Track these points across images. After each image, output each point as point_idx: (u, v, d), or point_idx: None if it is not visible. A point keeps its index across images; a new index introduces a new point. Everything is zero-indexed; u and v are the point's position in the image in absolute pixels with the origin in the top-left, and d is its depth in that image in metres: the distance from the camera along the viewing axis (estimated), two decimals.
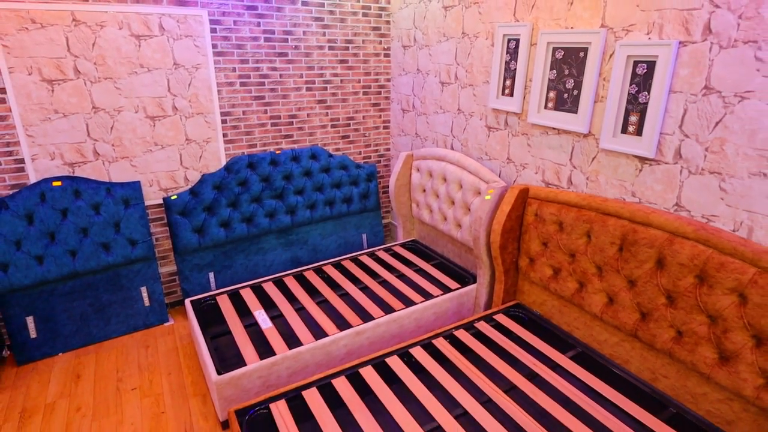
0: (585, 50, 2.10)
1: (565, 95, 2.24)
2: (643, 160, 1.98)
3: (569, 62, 2.19)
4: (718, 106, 1.69)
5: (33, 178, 2.60)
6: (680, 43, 1.76)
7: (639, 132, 1.95)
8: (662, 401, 1.98)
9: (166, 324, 3.05)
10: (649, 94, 1.88)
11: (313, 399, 2.02)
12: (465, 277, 3.01)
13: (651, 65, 1.86)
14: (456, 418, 1.95)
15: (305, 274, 3.05)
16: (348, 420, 2.09)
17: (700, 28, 1.70)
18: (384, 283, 3.13)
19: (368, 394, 2.22)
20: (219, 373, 2.14)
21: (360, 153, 3.74)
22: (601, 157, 2.15)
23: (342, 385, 2.09)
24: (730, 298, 1.70)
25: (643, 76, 1.89)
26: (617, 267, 2.09)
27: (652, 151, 1.91)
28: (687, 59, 1.75)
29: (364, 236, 3.75)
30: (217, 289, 3.13)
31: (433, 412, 1.93)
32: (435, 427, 1.89)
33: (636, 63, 1.91)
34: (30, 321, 2.64)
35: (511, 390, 2.12)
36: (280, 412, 1.95)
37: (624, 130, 2.01)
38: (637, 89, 1.93)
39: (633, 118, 1.96)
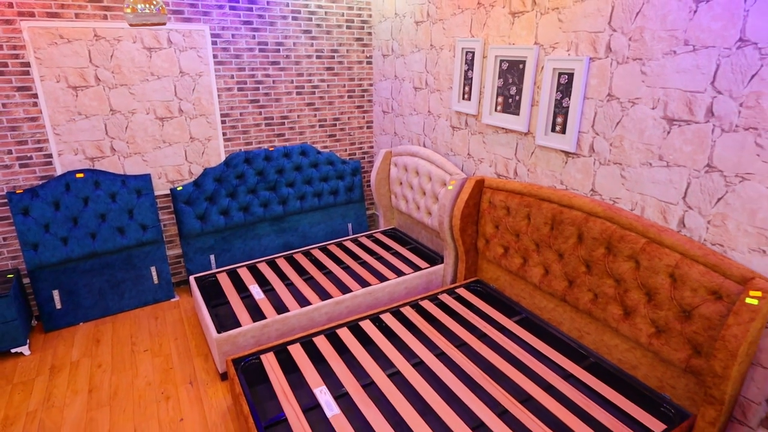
0: (523, 63, 2.52)
1: (510, 100, 2.66)
2: (567, 153, 2.40)
3: (512, 72, 2.61)
4: (617, 110, 2.11)
5: (59, 171, 3.02)
6: (590, 59, 2.18)
7: (564, 131, 2.37)
8: (585, 353, 2.39)
9: (172, 300, 3.47)
10: (569, 99, 2.30)
11: (297, 353, 2.43)
12: (435, 259, 3.42)
13: (570, 76, 2.28)
14: (413, 366, 2.37)
15: (295, 256, 3.48)
16: (326, 371, 2.51)
17: (604, 47, 2.11)
18: (364, 264, 3.54)
19: (344, 351, 2.64)
20: (218, 331, 2.56)
21: (345, 150, 4.16)
22: (538, 152, 2.57)
23: (322, 343, 2.51)
24: (628, 264, 2.12)
25: (565, 85, 2.31)
26: (550, 243, 2.51)
27: (573, 146, 2.33)
28: (596, 72, 2.17)
29: (350, 225, 4.17)
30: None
31: (394, 361, 2.34)
32: (395, 372, 2.31)
33: (560, 74, 2.33)
34: (56, 294, 3.06)
35: (462, 345, 2.54)
36: (269, 362, 2.36)
37: (553, 129, 2.43)
38: (561, 96, 2.35)
39: (559, 120, 2.38)
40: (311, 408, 2.11)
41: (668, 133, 1.93)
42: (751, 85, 1.65)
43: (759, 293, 1.64)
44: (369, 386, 2.25)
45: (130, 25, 1.81)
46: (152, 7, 1.68)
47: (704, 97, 1.79)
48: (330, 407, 2.05)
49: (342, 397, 2.19)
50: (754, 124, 1.67)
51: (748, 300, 1.66)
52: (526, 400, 2.13)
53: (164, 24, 1.87)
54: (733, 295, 1.75)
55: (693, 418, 1.95)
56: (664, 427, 1.93)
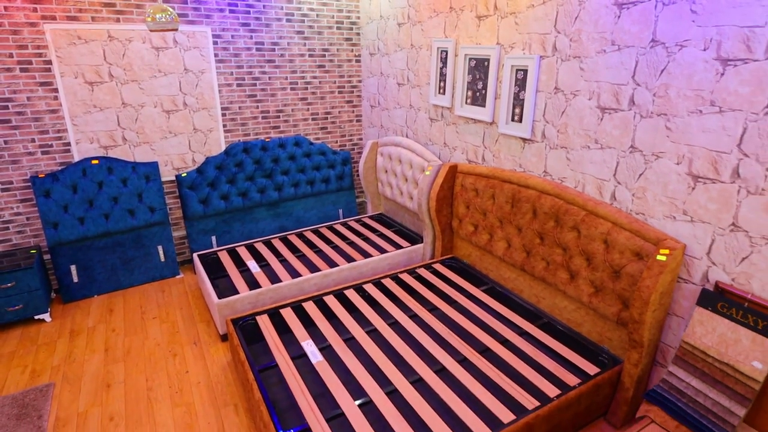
0: (488, 60, 2.86)
1: (477, 94, 3.00)
2: (524, 140, 2.74)
3: (479, 69, 2.95)
4: (562, 101, 2.45)
5: (77, 157, 3.37)
6: (540, 57, 2.52)
7: (521, 120, 2.71)
8: (540, 315, 2.73)
9: (177, 277, 3.81)
10: (525, 92, 2.64)
11: (289, 315, 2.78)
12: (416, 239, 3.76)
13: (525, 72, 2.61)
14: (389, 325, 2.71)
15: (289, 237, 3.82)
16: (313, 330, 2.85)
17: (551, 46, 2.45)
18: (351, 244, 3.88)
19: (330, 315, 2.98)
20: (219, 297, 2.90)
21: (336, 142, 4.50)
22: (501, 139, 2.91)
23: (310, 307, 2.85)
24: (572, 234, 2.46)
25: (521, 80, 2.65)
26: (510, 219, 2.84)
27: (528, 134, 2.67)
28: (545, 68, 2.51)
29: (341, 211, 4.51)
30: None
31: (372, 321, 2.68)
32: (372, 329, 2.65)
33: (517, 70, 2.67)
34: (73, 269, 3.41)
35: (433, 310, 2.88)
36: (264, 322, 2.70)
37: (512, 119, 2.76)
38: (518, 89, 2.68)
39: (517, 110, 2.72)
40: (298, 357, 2.45)
41: (601, 120, 2.27)
42: (661, 78, 1.99)
43: (667, 251, 1.98)
44: (349, 340, 2.59)
45: (151, 30, 2.15)
46: (168, 16, 2.02)
47: (627, 88, 2.12)
48: (314, 355, 2.40)
49: (325, 349, 2.54)
50: (664, 110, 2.00)
51: (658, 257, 2.00)
52: (484, 350, 2.47)
53: (177, 30, 2.21)
54: (650, 255, 2.09)
55: (622, 363, 2.29)
56: (598, 370, 2.27)
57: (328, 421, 2.03)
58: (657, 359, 2.26)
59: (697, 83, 1.87)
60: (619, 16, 2.11)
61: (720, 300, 1.88)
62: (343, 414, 2.06)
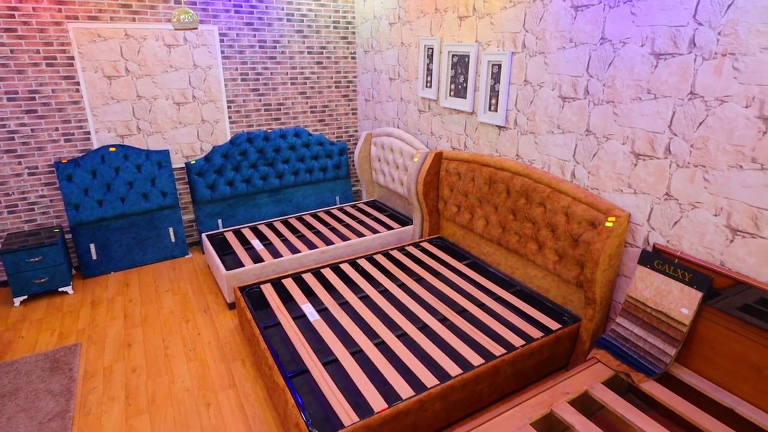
0: (468, 57, 3.19)
1: (459, 87, 3.33)
2: (499, 128, 3.07)
3: (460, 64, 3.28)
4: (530, 92, 2.78)
5: (96, 145, 3.69)
6: (512, 53, 2.85)
7: (496, 109, 3.04)
8: (514, 284, 3.06)
9: (186, 256, 4.14)
10: (499, 85, 2.97)
11: (290, 284, 3.10)
12: (407, 222, 4.09)
13: (499, 67, 2.94)
14: (379, 292, 3.04)
15: (290, 220, 4.15)
16: (313, 298, 3.18)
17: (521, 44, 2.78)
18: (347, 226, 4.21)
19: (327, 285, 3.30)
20: (227, 269, 3.23)
21: (333, 133, 4.83)
22: (480, 128, 3.24)
23: (309, 278, 3.18)
24: (539, 209, 2.79)
25: (496, 73, 2.98)
26: (488, 199, 3.18)
27: (503, 121, 3.00)
28: (516, 63, 2.84)
29: (337, 198, 4.84)
30: None
31: (364, 289, 3.01)
32: (364, 295, 2.98)
33: (493, 65, 3.00)
34: (92, 247, 3.73)
35: (419, 280, 3.21)
36: (268, 290, 3.03)
37: (489, 109, 3.10)
38: (494, 82, 3.01)
39: (493, 101, 3.05)
40: (298, 317, 2.78)
41: (563, 108, 2.60)
42: (609, 70, 2.32)
43: (613, 218, 2.32)
44: (343, 304, 2.93)
45: (176, 29, 2.50)
46: (190, 17, 2.36)
47: (582, 80, 2.45)
48: (312, 315, 2.73)
49: (322, 311, 2.87)
50: (612, 98, 2.33)
51: (606, 224, 2.33)
52: (462, 311, 2.80)
53: (197, 29, 2.55)
54: (601, 223, 2.42)
55: (581, 321, 2.63)
56: (559, 326, 2.60)
57: (324, 365, 2.36)
58: (610, 316, 2.59)
59: (636, 74, 2.20)
60: (575, 17, 2.44)
61: (656, 258, 2.21)
62: (336, 360, 2.40)
